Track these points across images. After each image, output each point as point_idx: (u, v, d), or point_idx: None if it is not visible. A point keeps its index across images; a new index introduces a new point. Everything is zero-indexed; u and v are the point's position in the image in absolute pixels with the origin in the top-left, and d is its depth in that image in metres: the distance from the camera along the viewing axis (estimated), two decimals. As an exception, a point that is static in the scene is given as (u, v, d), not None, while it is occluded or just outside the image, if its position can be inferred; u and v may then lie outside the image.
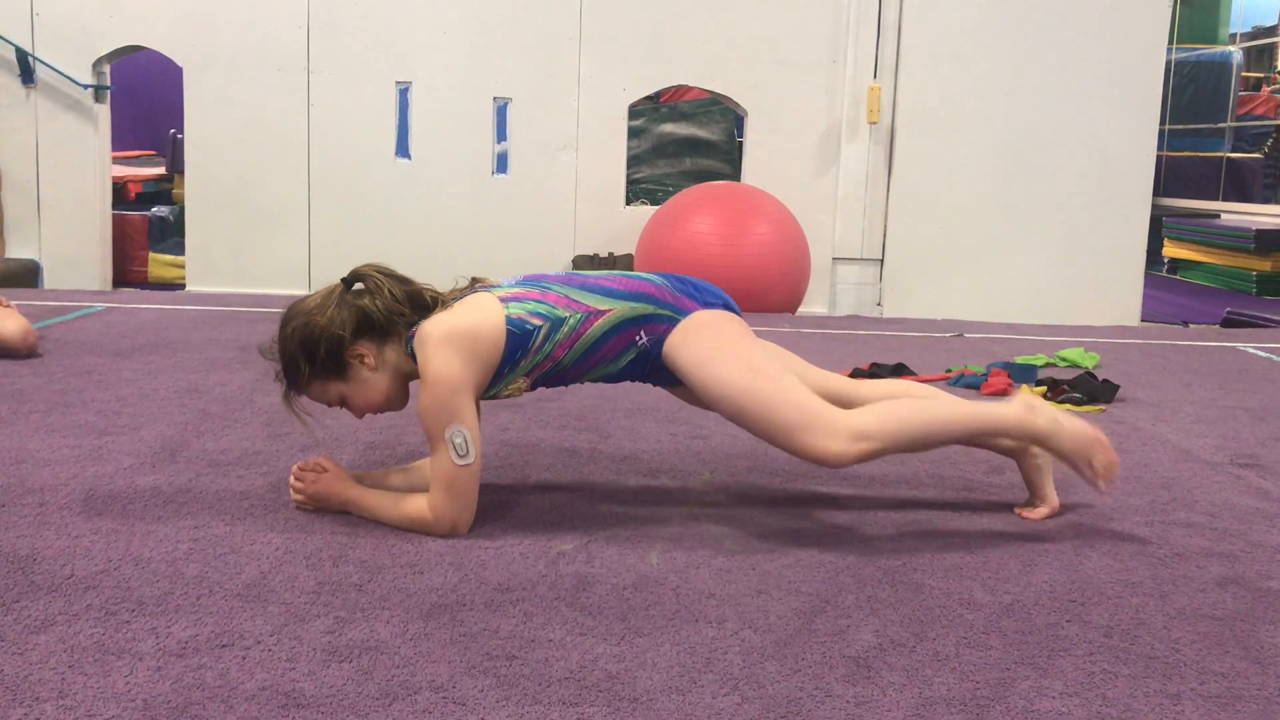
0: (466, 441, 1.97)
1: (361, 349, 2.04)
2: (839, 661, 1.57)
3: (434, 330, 1.99)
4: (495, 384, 2.07)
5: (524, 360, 2.05)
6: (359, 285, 2.07)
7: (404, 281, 2.08)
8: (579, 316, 2.06)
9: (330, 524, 2.06)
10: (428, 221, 6.32)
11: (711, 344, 2.08)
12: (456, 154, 6.32)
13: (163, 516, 2.08)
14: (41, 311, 4.48)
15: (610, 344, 2.08)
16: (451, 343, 1.98)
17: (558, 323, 2.05)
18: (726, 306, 2.17)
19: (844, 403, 2.16)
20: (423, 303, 2.06)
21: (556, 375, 2.12)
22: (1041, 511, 2.23)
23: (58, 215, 6.30)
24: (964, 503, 2.32)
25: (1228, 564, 2.01)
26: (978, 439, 2.20)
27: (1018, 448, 2.22)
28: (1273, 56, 13.25)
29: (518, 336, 2.03)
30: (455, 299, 2.09)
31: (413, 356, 2.03)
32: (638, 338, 2.08)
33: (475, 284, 2.14)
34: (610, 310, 2.07)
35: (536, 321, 2.04)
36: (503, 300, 2.05)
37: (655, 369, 2.14)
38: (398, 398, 2.12)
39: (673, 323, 2.09)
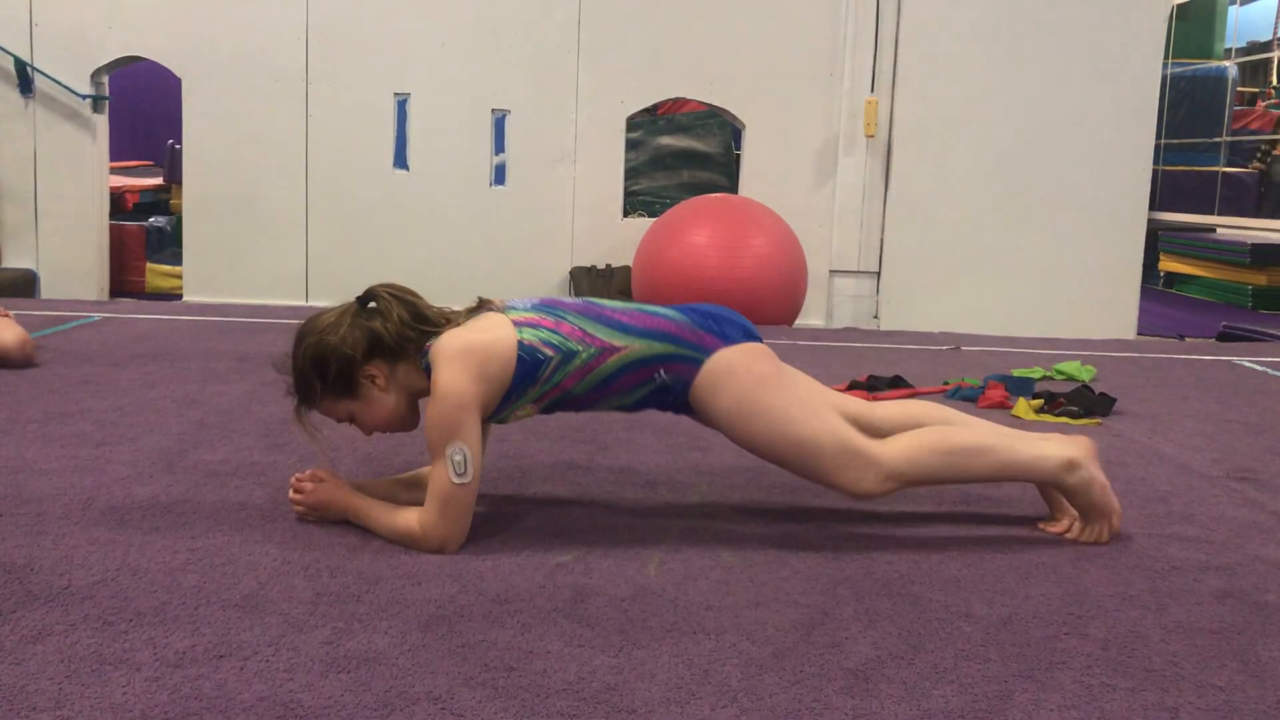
0: (466, 460, 1.96)
1: (373, 369, 2.03)
2: (837, 674, 1.57)
3: (448, 345, 1.98)
4: (503, 409, 2.06)
5: (532, 389, 2.03)
6: (372, 304, 2.06)
7: (413, 304, 2.06)
8: (592, 351, 2.03)
9: (328, 535, 2.06)
10: (426, 233, 6.32)
11: (741, 396, 2.05)
12: (454, 165, 6.32)
13: (160, 527, 2.08)
14: (39, 321, 4.48)
15: (624, 379, 2.06)
16: (464, 359, 1.96)
17: (569, 355, 2.02)
18: (749, 335, 2.13)
19: (864, 426, 2.17)
20: (432, 324, 2.05)
21: (567, 403, 2.10)
22: (1064, 525, 2.21)
23: (55, 225, 6.30)
24: (961, 515, 2.33)
25: (1225, 577, 2.02)
26: (1005, 478, 2.18)
27: None
28: (1267, 71, 13.30)
29: (528, 364, 2.00)
30: (468, 318, 2.07)
31: (428, 373, 2.02)
32: (656, 374, 2.06)
33: (483, 303, 2.12)
34: (626, 348, 2.04)
35: (548, 351, 2.01)
36: (516, 324, 2.03)
37: (678, 403, 2.12)
38: (408, 418, 2.11)
39: (696, 363, 2.06)
